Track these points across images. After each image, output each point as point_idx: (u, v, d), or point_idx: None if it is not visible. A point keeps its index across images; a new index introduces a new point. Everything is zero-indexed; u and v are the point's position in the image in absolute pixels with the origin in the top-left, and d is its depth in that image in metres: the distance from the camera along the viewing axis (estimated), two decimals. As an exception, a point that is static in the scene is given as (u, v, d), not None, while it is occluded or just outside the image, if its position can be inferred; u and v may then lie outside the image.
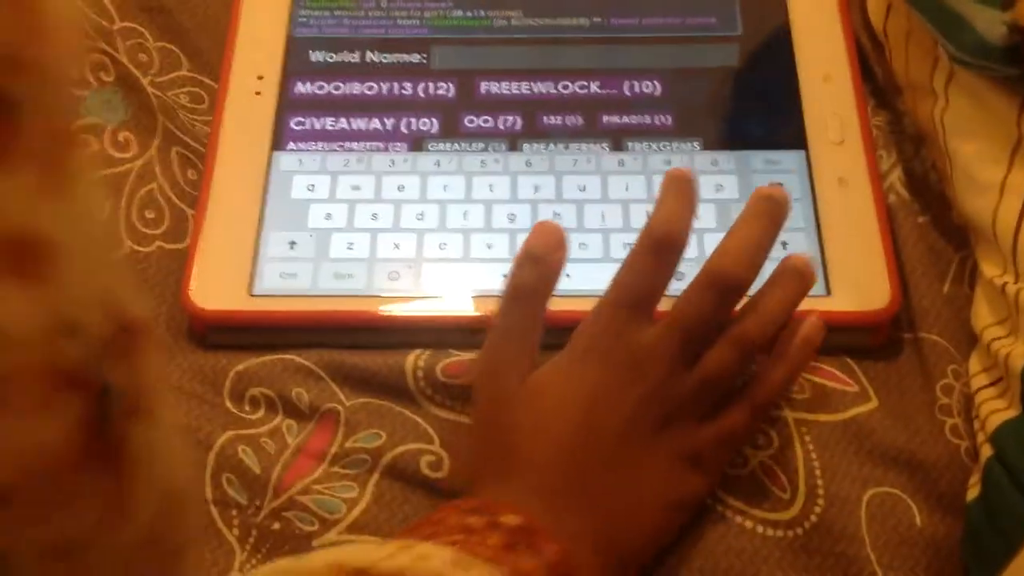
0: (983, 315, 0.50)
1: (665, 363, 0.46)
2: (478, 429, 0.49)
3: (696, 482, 0.48)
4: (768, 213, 0.47)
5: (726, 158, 0.57)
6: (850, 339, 0.52)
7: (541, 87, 0.60)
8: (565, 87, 0.60)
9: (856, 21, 0.62)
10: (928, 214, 0.56)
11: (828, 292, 0.53)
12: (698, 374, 0.46)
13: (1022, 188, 0.48)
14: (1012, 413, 0.46)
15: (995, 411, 0.47)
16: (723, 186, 0.56)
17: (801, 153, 0.57)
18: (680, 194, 0.47)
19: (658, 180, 0.52)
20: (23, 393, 0.16)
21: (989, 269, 0.50)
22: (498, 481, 0.45)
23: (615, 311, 0.47)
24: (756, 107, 0.59)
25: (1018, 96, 0.49)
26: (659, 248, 0.46)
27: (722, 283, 0.46)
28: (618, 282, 0.47)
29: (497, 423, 0.47)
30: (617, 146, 0.58)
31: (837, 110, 0.58)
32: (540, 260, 0.47)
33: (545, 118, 0.59)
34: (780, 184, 0.55)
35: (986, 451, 0.47)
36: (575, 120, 0.59)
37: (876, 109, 0.60)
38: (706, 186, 0.56)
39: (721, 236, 0.47)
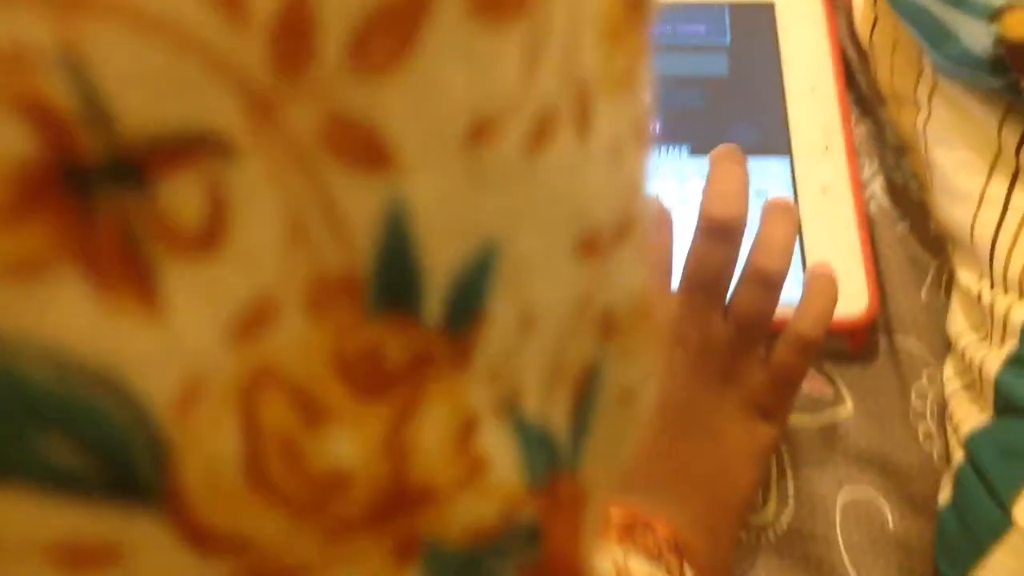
0: (958, 322, 0.51)
1: (698, 320, 0.46)
2: None
3: (766, 430, 0.48)
4: (734, 159, 0.48)
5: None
6: (828, 343, 0.53)
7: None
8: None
9: (842, 31, 0.63)
10: (907, 222, 0.57)
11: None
12: (732, 318, 0.47)
13: (1001, 198, 0.49)
14: (985, 418, 0.47)
15: (968, 416, 0.48)
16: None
17: (785, 160, 0.58)
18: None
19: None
20: None
21: (965, 277, 0.51)
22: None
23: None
24: (743, 115, 0.60)
25: (1000, 108, 0.49)
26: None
27: (720, 226, 0.46)
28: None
29: None
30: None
31: (821, 119, 0.59)
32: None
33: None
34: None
35: (958, 455, 0.48)
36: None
37: (859, 118, 0.60)
38: (692, 191, 0.56)
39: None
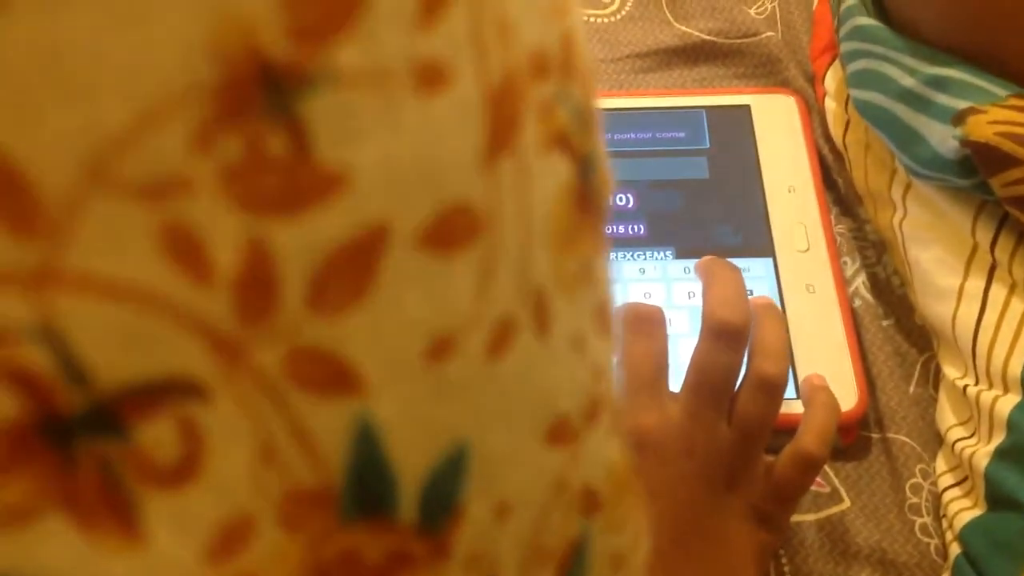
0: (947, 416, 0.52)
1: (704, 428, 0.47)
2: None
3: (765, 538, 0.48)
4: (725, 264, 0.49)
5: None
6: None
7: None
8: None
9: (818, 133, 0.64)
10: (892, 318, 0.58)
11: (798, 395, 0.54)
12: (735, 425, 0.48)
13: (979, 293, 0.50)
14: (978, 511, 0.48)
15: (962, 510, 0.49)
16: (695, 293, 0.58)
17: (769, 261, 0.59)
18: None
19: (633, 287, 0.54)
20: None
21: (951, 371, 0.52)
22: None
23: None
24: (725, 217, 0.62)
25: (972, 206, 0.51)
26: (645, 327, 0.48)
27: (726, 330, 0.47)
28: (622, 372, 0.49)
29: None
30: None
31: (802, 219, 0.60)
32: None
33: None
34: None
35: (955, 549, 0.48)
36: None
37: (840, 217, 0.62)
38: (678, 293, 0.58)
39: (695, 342, 0.49)
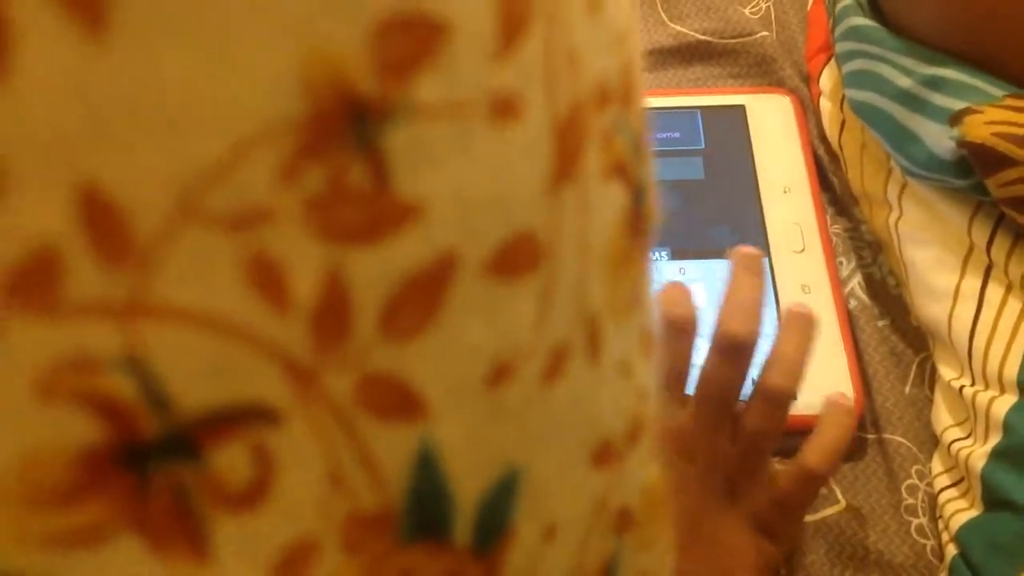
0: (943, 417, 0.52)
1: (707, 436, 0.47)
2: None
3: (767, 549, 0.48)
4: (752, 269, 0.49)
5: (692, 267, 0.59)
6: (817, 441, 0.54)
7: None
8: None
9: (813, 134, 0.64)
10: (888, 318, 0.58)
11: (793, 396, 0.54)
12: (740, 435, 0.48)
13: (975, 294, 0.50)
14: (974, 512, 0.48)
15: (958, 511, 0.49)
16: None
17: (764, 261, 0.59)
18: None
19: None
20: None
21: (947, 372, 0.52)
22: None
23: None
24: (720, 217, 0.62)
25: (969, 206, 0.51)
26: (673, 332, 0.48)
27: (732, 344, 0.47)
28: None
29: None
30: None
31: (797, 220, 0.60)
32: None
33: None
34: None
35: (951, 550, 0.48)
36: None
37: (835, 217, 0.62)
38: (674, 294, 0.58)
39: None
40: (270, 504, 0.13)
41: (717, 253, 0.60)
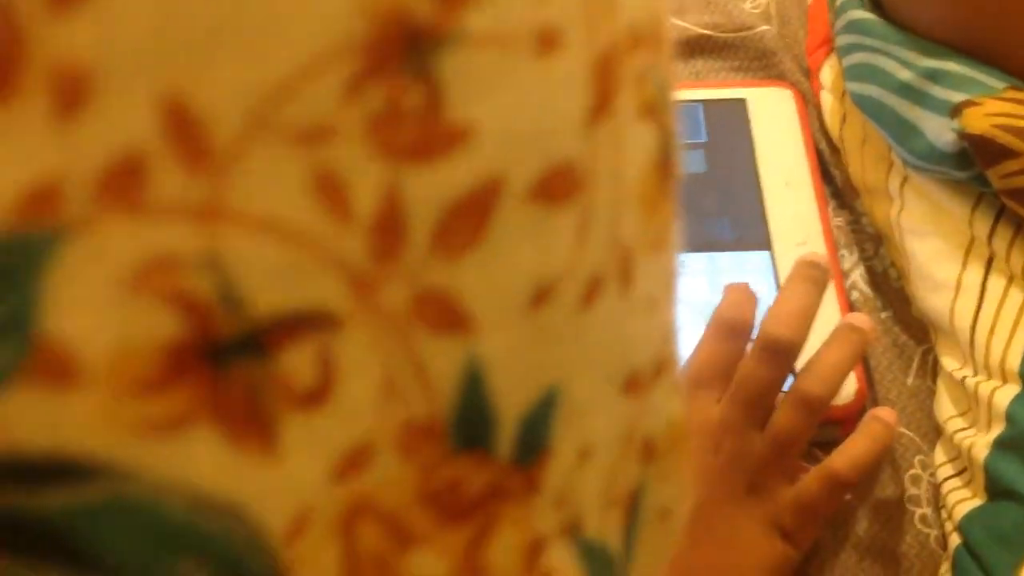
0: (945, 408, 0.52)
1: (735, 431, 0.48)
2: None
3: (784, 550, 0.49)
4: (812, 278, 0.49)
5: (695, 260, 0.59)
6: (820, 433, 0.54)
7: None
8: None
9: (814, 127, 0.64)
10: (890, 310, 0.58)
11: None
12: (768, 436, 0.48)
13: (977, 285, 0.50)
14: (977, 502, 0.48)
15: (961, 500, 0.49)
16: (692, 287, 0.58)
17: (766, 254, 0.59)
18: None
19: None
20: None
21: (949, 363, 0.52)
22: None
23: (689, 391, 0.49)
24: (722, 210, 0.62)
25: (970, 197, 0.51)
26: (726, 332, 0.49)
27: (774, 346, 0.48)
28: (688, 365, 0.49)
29: None
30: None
31: (799, 213, 0.60)
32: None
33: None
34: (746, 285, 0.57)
35: (954, 539, 0.49)
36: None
37: (837, 210, 0.62)
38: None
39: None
40: (333, 405, 0.14)
41: (719, 246, 0.60)
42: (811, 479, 0.49)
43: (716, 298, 0.52)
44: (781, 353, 0.48)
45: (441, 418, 0.15)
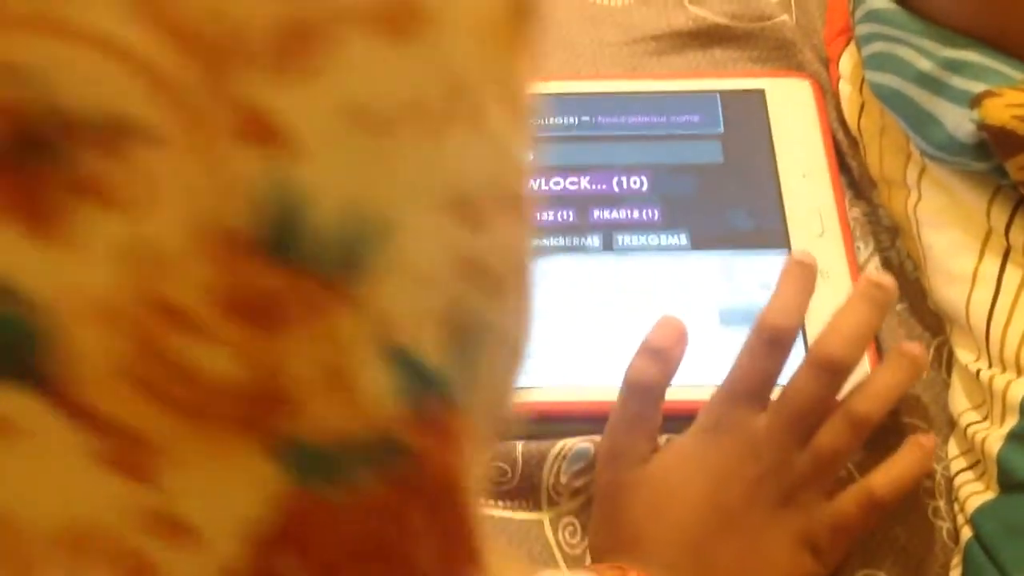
0: (959, 400, 0.52)
1: (777, 444, 0.48)
2: (600, 511, 0.51)
3: (811, 567, 0.49)
4: (875, 299, 0.49)
5: (711, 255, 0.59)
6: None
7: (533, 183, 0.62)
8: (556, 183, 0.62)
9: (832, 118, 0.64)
10: (905, 302, 0.58)
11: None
12: (811, 452, 0.48)
13: (993, 277, 0.50)
14: (990, 495, 0.48)
15: (974, 493, 0.49)
16: (710, 281, 0.58)
17: (783, 253, 0.59)
18: (795, 283, 0.50)
19: (648, 269, 0.54)
20: None
21: (964, 355, 0.52)
22: (621, 558, 0.48)
23: (731, 401, 0.49)
24: (739, 201, 0.62)
25: (988, 189, 0.51)
26: (771, 340, 0.49)
27: (828, 364, 0.48)
28: (733, 373, 0.49)
29: (619, 504, 0.49)
30: (607, 239, 0.60)
31: (816, 205, 0.60)
32: (661, 353, 0.49)
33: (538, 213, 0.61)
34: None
35: (966, 532, 0.49)
36: (566, 214, 0.61)
37: (853, 201, 0.62)
38: (694, 287, 0.58)
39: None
40: (135, 209, 0.15)
41: (736, 237, 0.60)
42: (849, 500, 0.48)
43: (734, 295, 0.52)
44: (834, 373, 0.48)
45: (256, 230, 0.16)
